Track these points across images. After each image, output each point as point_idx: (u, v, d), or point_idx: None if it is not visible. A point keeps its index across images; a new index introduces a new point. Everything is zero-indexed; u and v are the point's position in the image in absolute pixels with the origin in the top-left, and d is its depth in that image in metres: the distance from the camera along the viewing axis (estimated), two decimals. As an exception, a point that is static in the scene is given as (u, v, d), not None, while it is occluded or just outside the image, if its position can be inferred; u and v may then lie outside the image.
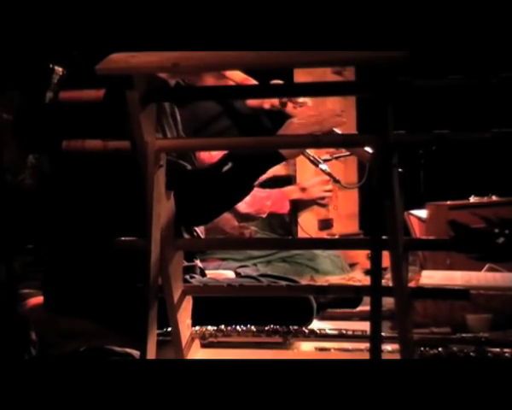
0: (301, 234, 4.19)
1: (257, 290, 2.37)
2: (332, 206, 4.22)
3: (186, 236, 2.62)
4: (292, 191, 4.05)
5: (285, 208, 4.02)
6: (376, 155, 1.76)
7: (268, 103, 2.67)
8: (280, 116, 2.68)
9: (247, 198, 3.77)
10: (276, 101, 2.66)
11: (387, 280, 2.08)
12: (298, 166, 4.17)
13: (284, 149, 2.47)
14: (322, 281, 3.40)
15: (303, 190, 4.05)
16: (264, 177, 3.98)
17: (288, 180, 4.17)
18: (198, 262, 2.76)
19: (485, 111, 3.89)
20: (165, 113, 2.49)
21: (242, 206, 3.79)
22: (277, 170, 4.10)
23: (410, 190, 2.07)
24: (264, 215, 3.92)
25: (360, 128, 4.39)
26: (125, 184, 2.34)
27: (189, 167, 2.45)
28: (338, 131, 2.72)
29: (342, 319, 3.00)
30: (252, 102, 2.74)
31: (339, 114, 2.55)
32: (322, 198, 4.09)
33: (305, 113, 2.65)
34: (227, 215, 3.81)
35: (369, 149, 2.68)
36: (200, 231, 2.74)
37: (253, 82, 2.77)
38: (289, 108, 2.67)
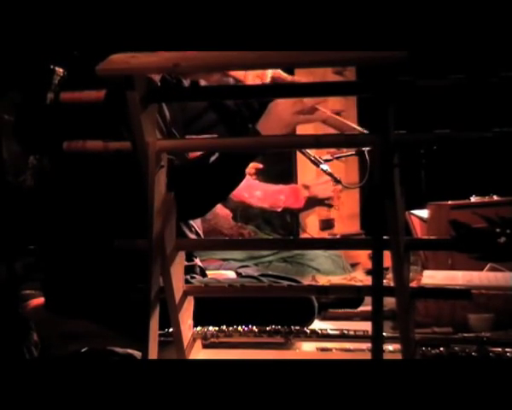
0: (302, 234, 4.20)
1: (258, 291, 2.37)
2: (333, 206, 4.23)
3: (188, 233, 2.62)
4: (304, 188, 4.05)
5: (300, 203, 4.00)
6: (377, 154, 1.75)
7: (251, 81, 2.65)
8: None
9: (258, 193, 3.79)
10: (259, 78, 2.64)
11: (389, 280, 2.08)
12: (299, 167, 4.18)
13: (284, 149, 2.47)
14: (323, 281, 3.41)
15: (306, 187, 4.06)
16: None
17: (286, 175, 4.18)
18: (198, 261, 2.76)
19: (486, 110, 3.89)
20: None
21: (254, 200, 3.78)
22: None
23: (412, 190, 2.06)
24: (279, 209, 3.91)
25: (361, 128, 4.38)
26: (127, 185, 2.34)
27: (176, 162, 2.44)
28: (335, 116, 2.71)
29: (344, 319, 3.00)
30: (236, 75, 2.72)
31: None
32: (329, 198, 4.09)
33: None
34: (224, 214, 3.82)
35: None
36: (197, 226, 2.74)
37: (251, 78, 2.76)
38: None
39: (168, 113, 2.57)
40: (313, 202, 4.08)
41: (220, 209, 3.84)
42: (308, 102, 2.52)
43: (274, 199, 3.89)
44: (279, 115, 2.49)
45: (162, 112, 2.54)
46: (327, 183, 4.00)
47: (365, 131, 2.26)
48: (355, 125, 2.71)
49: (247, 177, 3.82)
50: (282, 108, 2.51)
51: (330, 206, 4.13)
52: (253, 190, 3.85)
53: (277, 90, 2.02)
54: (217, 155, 2.43)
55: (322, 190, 4.02)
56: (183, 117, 2.72)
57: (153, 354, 1.82)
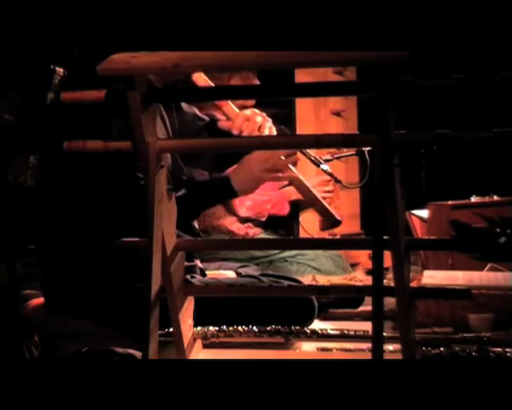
0: (303, 234, 4.19)
1: (258, 290, 2.37)
2: (333, 206, 4.23)
3: (187, 236, 2.62)
4: (291, 192, 4.07)
5: (285, 210, 4.04)
6: (377, 154, 1.75)
7: (237, 130, 2.70)
8: None
9: (248, 203, 3.85)
10: (245, 128, 2.69)
11: (389, 280, 2.08)
12: (299, 167, 4.17)
13: (285, 149, 2.48)
14: (323, 281, 3.40)
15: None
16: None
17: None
18: (198, 262, 2.76)
19: (486, 110, 3.89)
20: None
21: (242, 210, 3.84)
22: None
23: (412, 190, 2.07)
24: (263, 218, 3.95)
25: (361, 128, 4.39)
26: (127, 185, 2.34)
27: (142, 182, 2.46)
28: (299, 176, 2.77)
29: (344, 319, 3.00)
30: (223, 125, 2.77)
31: (293, 153, 2.64)
32: (323, 198, 4.10)
33: (258, 153, 2.68)
34: (233, 217, 3.85)
35: None
36: (197, 224, 2.75)
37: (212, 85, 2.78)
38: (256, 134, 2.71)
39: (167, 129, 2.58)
40: (310, 203, 4.09)
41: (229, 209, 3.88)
42: (280, 162, 2.59)
43: (260, 209, 3.93)
44: (249, 168, 2.62)
45: (163, 118, 2.55)
46: (321, 184, 4.01)
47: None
48: (316, 193, 2.81)
49: None
50: (254, 162, 2.60)
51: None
52: (245, 199, 3.89)
53: (277, 90, 2.02)
54: (183, 191, 2.49)
55: (317, 190, 4.04)
56: (183, 131, 2.73)
57: (153, 353, 1.82)
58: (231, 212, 3.86)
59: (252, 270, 3.07)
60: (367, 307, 3.00)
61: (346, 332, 2.41)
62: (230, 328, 2.39)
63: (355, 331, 2.40)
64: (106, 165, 2.38)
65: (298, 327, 2.41)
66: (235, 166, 2.67)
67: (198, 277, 2.68)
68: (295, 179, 2.74)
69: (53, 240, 2.57)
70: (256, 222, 4.00)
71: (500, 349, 2.21)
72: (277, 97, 2.59)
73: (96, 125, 2.31)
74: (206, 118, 2.84)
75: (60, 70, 2.73)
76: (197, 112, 2.81)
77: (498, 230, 1.88)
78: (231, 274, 3.01)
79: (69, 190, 2.52)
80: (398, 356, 1.91)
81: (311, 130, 4.21)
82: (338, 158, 3.81)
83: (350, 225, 4.45)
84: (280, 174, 2.66)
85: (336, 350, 2.32)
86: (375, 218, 1.76)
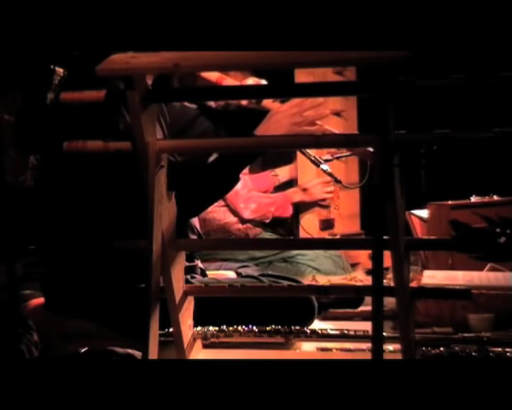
0: (303, 234, 4.19)
1: (258, 291, 2.37)
2: (333, 206, 4.23)
3: (190, 235, 2.62)
4: (294, 194, 4.09)
5: (288, 212, 4.07)
6: (377, 154, 1.75)
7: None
8: (257, 113, 2.67)
9: (253, 206, 3.89)
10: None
11: (389, 280, 2.08)
12: (299, 167, 4.17)
13: (284, 149, 2.48)
14: (323, 281, 3.40)
15: (304, 190, 4.08)
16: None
17: (289, 184, 4.20)
18: (199, 263, 2.76)
19: (486, 110, 3.89)
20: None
21: (247, 213, 3.87)
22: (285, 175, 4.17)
23: (412, 190, 2.07)
24: (267, 220, 3.98)
25: (361, 128, 4.39)
26: (126, 185, 2.34)
27: (178, 159, 2.45)
28: (333, 130, 2.73)
29: (344, 319, 3.00)
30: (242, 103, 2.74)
31: (319, 104, 2.57)
32: (324, 199, 4.13)
33: (285, 106, 2.63)
34: (233, 219, 3.87)
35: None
36: (199, 227, 2.74)
37: (229, 80, 2.76)
38: (267, 102, 2.66)
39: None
40: (311, 204, 4.13)
41: (231, 211, 3.90)
42: (308, 115, 2.54)
43: (265, 211, 3.97)
44: (278, 123, 2.51)
45: (164, 116, 2.55)
46: (322, 184, 4.03)
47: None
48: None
49: (249, 188, 3.90)
50: (282, 116, 2.53)
51: (327, 206, 4.17)
52: (250, 202, 3.93)
53: (279, 90, 2.02)
54: (215, 155, 2.45)
55: (319, 192, 4.07)
56: (177, 125, 2.71)
57: (153, 354, 1.82)
58: (236, 213, 3.90)
59: (252, 270, 3.08)
60: (367, 307, 3.00)
61: (346, 332, 2.41)
62: (230, 328, 2.39)
63: (355, 331, 2.40)
64: (106, 165, 2.38)
65: (298, 327, 2.40)
66: (261, 124, 2.58)
67: (198, 277, 2.68)
68: (325, 131, 2.67)
69: (53, 240, 2.57)
70: (256, 223, 4.01)
71: (500, 349, 2.21)
72: (277, 97, 2.60)
73: (99, 121, 2.30)
74: (194, 106, 2.82)
75: (59, 70, 2.73)
76: (184, 102, 2.79)
77: (498, 230, 1.87)
78: (231, 274, 3.01)
79: (69, 190, 2.52)
80: (398, 356, 1.91)
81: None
82: (338, 158, 3.81)
83: (350, 225, 4.44)
84: (309, 128, 2.57)
85: (336, 350, 2.32)
86: (374, 218, 1.76)
